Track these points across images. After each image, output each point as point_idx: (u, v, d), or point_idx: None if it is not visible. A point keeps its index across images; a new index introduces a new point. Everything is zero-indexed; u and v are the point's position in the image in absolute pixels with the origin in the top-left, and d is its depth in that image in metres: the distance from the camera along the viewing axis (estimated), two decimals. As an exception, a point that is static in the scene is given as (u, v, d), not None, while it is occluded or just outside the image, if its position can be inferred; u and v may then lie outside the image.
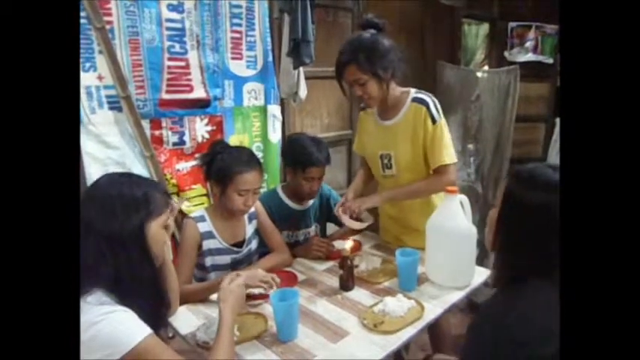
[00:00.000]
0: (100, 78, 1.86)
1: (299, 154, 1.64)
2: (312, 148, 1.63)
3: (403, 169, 1.59)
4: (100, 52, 1.83)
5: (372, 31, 1.48)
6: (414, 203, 1.63)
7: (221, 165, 1.39)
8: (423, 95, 1.53)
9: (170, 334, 1.94)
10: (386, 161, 1.62)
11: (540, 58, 4.05)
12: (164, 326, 1.06)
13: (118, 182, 0.95)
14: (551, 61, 4.07)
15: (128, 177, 0.99)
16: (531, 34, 3.99)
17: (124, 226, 0.90)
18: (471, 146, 3.10)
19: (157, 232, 0.97)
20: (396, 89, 1.55)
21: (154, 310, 0.97)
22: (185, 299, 1.29)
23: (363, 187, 1.78)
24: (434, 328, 1.54)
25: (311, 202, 1.79)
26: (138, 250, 0.93)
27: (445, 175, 1.52)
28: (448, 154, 1.51)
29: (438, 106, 1.52)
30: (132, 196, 0.93)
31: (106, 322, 0.83)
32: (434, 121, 1.49)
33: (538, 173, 0.79)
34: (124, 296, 0.89)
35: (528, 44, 4.01)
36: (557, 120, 4.06)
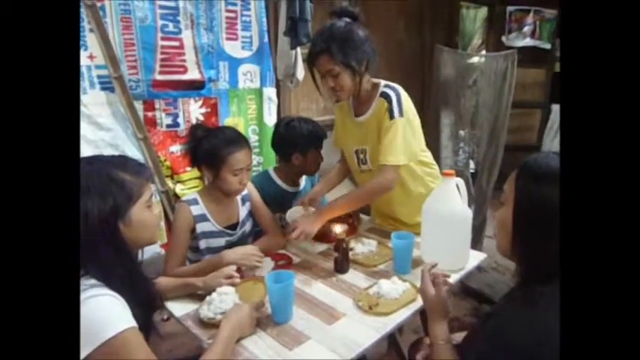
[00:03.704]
0: (91, 57, 1.83)
1: (308, 136, 1.67)
2: (316, 127, 1.69)
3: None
4: (91, 30, 1.79)
5: (347, 19, 1.42)
6: (401, 199, 1.60)
7: (209, 148, 1.37)
8: (389, 89, 1.46)
9: (165, 317, 1.95)
10: (362, 156, 1.60)
11: (538, 43, 4.03)
12: (150, 325, 0.96)
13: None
14: (548, 46, 4.05)
15: (88, 164, 0.85)
16: (529, 18, 3.96)
17: (88, 224, 0.80)
18: (462, 132, 3.09)
19: (140, 216, 0.89)
20: (369, 82, 1.50)
21: (138, 311, 0.87)
22: (177, 282, 1.27)
23: (338, 181, 1.77)
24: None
25: (303, 184, 1.78)
26: (110, 251, 0.85)
27: (383, 175, 1.42)
28: (394, 154, 1.40)
29: (403, 102, 1.44)
30: (95, 190, 0.83)
31: (87, 306, 0.76)
32: (392, 116, 1.42)
33: (554, 165, 0.70)
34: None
35: (526, 29, 3.98)
36: (553, 106, 4.07)
